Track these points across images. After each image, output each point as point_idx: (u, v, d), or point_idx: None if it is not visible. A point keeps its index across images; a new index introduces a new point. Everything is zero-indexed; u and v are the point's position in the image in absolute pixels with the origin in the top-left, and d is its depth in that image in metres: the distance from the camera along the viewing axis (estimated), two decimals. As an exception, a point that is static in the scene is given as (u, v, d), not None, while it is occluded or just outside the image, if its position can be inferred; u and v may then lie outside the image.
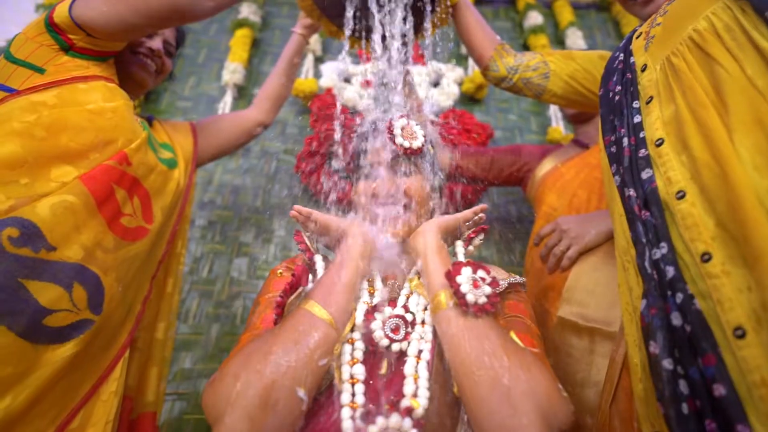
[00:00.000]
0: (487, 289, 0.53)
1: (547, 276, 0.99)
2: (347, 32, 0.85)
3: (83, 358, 0.72)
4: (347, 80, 1.73)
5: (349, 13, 0.83)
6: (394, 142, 0.70)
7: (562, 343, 0.90)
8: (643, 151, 0.55)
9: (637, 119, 0.58)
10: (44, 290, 0.65)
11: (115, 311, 0.77)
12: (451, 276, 0.54)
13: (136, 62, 0.90)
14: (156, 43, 0.94)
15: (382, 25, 0.83)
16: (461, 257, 0.66)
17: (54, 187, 0.69)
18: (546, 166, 1.23)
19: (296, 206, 0.69)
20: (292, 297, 0.57)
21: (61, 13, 0.72)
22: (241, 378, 0.47)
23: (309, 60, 1.78)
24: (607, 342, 0.83)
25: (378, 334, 0.55)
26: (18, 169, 0.66)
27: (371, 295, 0.61)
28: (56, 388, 0.68)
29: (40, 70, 0.72)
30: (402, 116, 0.73)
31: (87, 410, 0.72)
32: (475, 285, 0.52)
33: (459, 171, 1.28)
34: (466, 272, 0.54)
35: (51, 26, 0.73)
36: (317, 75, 1.75)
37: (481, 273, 0.54)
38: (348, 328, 0.55)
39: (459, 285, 0.52)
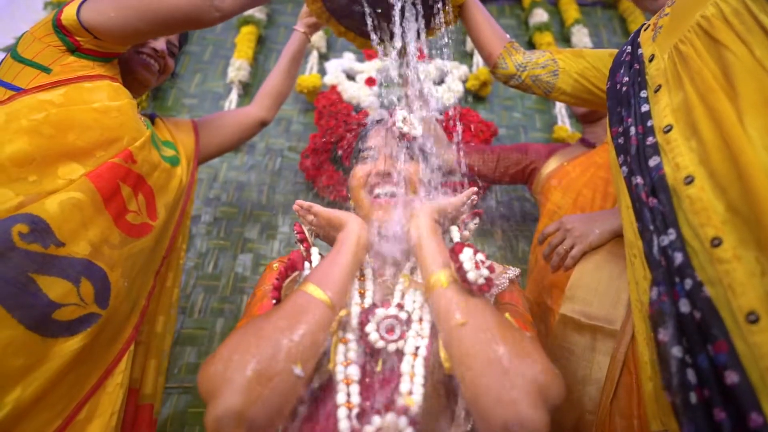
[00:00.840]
0: (486, 272, 0.53)
1: (550, 274, 0.99)
2: (373, 37, 0.85)
3: (90, 352, 0.73)
4: (352, 77, 1.73)
5: (370, 20, 0.84)
6: (393, 128, 0.71)
7: (563, 340, 0.90)
8: (650, 139, 0.54)
9: (644, 108, 0.57)
10: (53, 285, 0.67)
11: (120, 306, 0.79)
12: (454, 253, 0.54)
13: (139, 62, 0.91)
14: (160, 44, 0.94)
15: (393, 23, 0.83)
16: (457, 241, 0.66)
17: (61, 184, 0.70)
18: (552, 165, 1.22)
19: (298, 200, 0.70)
20: (288, 281, 0.57)
21: (69, 16, 0.73)
22: (237, 354, 0.47)
23: (313, 57, 1.78)
24: (608, 340, 0.83)
25: (373, 337, 0.54)
26: (26, 166, 0.68)
27: (362, 296, 0.61)
28: (64, 380, 0.70)
29: (46, 70, 0.73)
30: (403, 108, 0.74)
31: (93, 402, 0.74)
32: (476, 266, 0.53)
33: (464, 168, 1.27)
34: (468, 252, 0.54)
35: (59, 28, 0.74)
36: (321, 72, 1.75)
37: (480, 256, 0.55)
38: (342, 312, 0.55)
39: (462, 263, 0.52)
